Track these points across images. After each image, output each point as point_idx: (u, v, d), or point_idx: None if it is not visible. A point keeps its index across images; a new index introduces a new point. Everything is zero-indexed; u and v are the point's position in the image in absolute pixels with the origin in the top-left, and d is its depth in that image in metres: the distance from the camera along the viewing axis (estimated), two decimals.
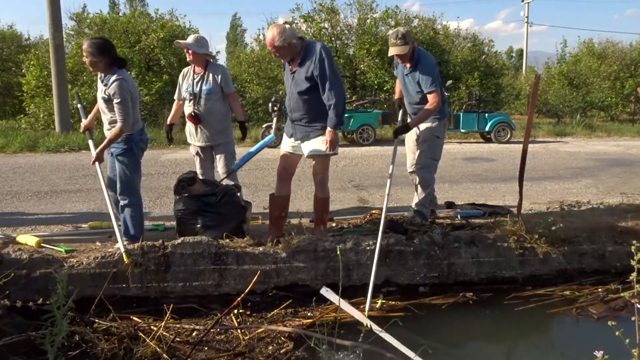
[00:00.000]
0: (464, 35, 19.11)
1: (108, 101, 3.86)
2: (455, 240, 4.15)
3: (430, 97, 4.37)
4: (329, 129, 3.86)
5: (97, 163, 3.91)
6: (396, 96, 4.89)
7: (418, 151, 4.67)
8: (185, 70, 4.75)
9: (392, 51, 4.38)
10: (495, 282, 4.17)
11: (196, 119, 4.56)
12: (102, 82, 3.90)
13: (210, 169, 4.78)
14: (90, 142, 4.08)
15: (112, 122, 3.91)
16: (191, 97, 4.56)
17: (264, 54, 16.47)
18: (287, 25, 3.80)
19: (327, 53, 3.81)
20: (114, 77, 3.80)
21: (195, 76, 4.57)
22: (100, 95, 3.93)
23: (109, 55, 3.83)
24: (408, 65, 4.46)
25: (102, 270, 3.64)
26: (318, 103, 3.88)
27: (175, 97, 4.79)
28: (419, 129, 4.62)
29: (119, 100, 3.78)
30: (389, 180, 4.27)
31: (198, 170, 4.79)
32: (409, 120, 4.64)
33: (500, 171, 8.10)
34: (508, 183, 6.89)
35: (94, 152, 3.95)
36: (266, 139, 4.81)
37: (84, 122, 4.17)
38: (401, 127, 4.51)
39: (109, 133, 3.93)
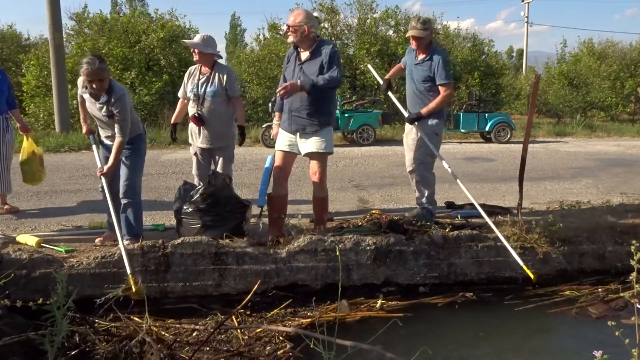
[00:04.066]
0: (464, 35, 19.12)
1: (111, 117, 3.86)
2: (455, 240, 4.15)
3: (443, 88, 4.48)
4: (299, 82, 3.82)
5: (103, 177, 3.91)
6: (387, 76, 4.90)
7: (415, 148, 4.67)
8: (192, 68, 4.68)
9: (411, 32, 4.44)
10: (495, 282, 4.18)
11: (199, 120, 4.49)
12: (97, 99, 3.88)
13: (206, 170, 4.72)
14: (95, 149, 4.10)
15: (113, 135, 3.94)
16: (195, 98, 4.51)
17: (264, 54, 16.46)
18: (316, 15, 4.03)
19: (338, 52, 3.98)
20: (118, 94, 3.83)
21: (201, 76, 4.51)
22: (100, 113, 3.92)
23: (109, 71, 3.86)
24: (422, 54, 4.49)
25: (102, 270, 3.65)
26: (322, 99, 3.91)
27: (180, 95, 4.72)
28: (419, 127, 4.63)
29: (122, 117, 3.83)
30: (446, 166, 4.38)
31: (194, 171, 4.75)
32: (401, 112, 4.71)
33: (500, 171, 8.09)
34: (508, 183, 6.89)
35: (99, 163, 3.97)
36: (269, 158, 4.73)
37: (85, 128, 4.18)
38: (414, 115, 4.53)
39: (107, 140, 4.04)
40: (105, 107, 3.86)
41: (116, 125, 3.85)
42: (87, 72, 3.71)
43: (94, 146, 4.12)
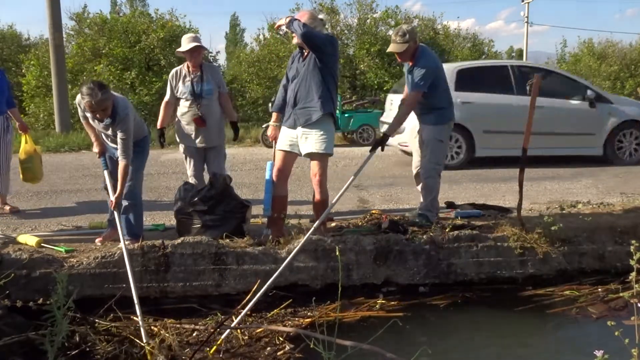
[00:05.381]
0: (464, 35, 19.15)
1: (117, 135, 3.80)
2: (455, 240, 4.15)
3: (409, 94, 4.39)
4: (287, 18, 3.81)
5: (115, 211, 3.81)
6: (402, 96, 4.83)
7: (422, 154, 4.64)
8: (176, 70, 4.59)
9: (390, 48, 4.40)
10: (495, 282, 4.17)
11: (202, 120, 4.44)
12: (101, 122, 3.78)
13: (201, 170, 4.71)
14: (106, 174, 3.96)
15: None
16: (192, 98, 4.45)
17: (264, 54, 16.49)
18: (321, 17, 4.10)
19: (335, 42, 4.02)
20: (122, 115, 3.72)
21: (194, 76, 4.47)
22: (106, 131, 3.88)
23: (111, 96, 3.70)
24: (410, 63, 4.45)
25: (102, 270, 3.65)
26: (326, 90, 3.90)
27: (167, 98, 4.58)
28: (422, 131, 4.60)
29: (125, 136, 3.73)
30: (344, 187, 4.05)
31: (189, 172, 4.71)
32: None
33: (500, 171, 8.09)
34: (508, 183, 6.88)
35: (111, 193, 3.84)
36: (268, 164, 4.70)
37: (97, 148, 4.06)
38: (378, 140, 4.44)
39: (114, 146, 3.97)
40: (110, 129, 3.82)
41: (119, 146, 3.77)
42: (89, 104, 3.55)
43: (105, 172, 3.99)
